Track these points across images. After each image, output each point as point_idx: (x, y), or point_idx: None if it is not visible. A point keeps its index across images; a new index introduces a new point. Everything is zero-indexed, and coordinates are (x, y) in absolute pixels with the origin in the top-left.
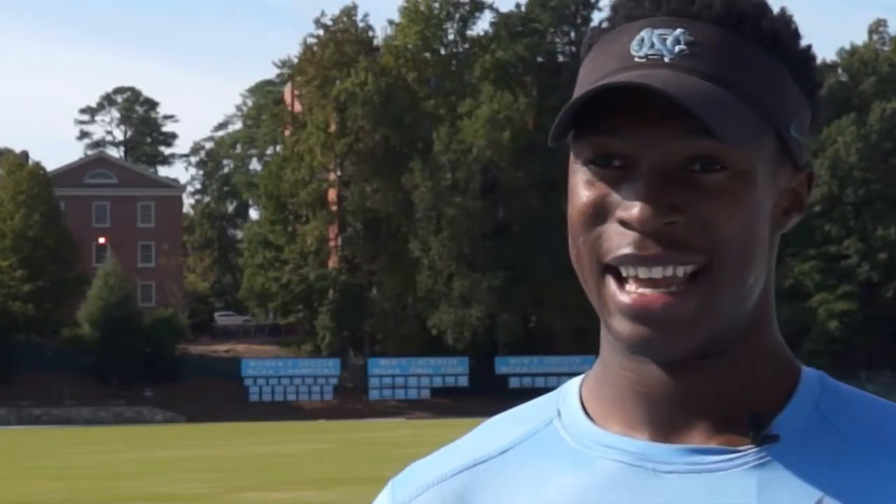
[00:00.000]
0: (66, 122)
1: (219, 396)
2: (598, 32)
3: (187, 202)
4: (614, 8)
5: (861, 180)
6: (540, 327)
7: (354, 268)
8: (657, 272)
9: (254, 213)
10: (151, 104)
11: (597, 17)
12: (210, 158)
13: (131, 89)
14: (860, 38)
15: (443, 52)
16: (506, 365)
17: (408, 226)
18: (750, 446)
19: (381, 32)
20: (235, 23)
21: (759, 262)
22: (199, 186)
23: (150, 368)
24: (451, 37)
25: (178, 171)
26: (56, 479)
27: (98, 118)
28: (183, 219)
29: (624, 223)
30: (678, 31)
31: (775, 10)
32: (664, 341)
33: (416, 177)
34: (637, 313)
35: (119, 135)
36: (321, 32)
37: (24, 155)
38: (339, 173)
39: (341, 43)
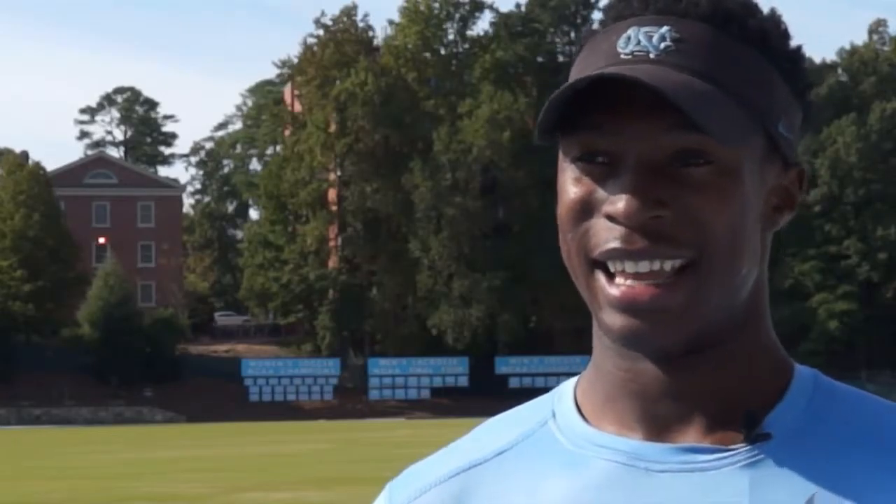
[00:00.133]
0: (66, 122)
1: (219, 396)
2: (589, 34)
3: (187, 202)
4: (605, 10)
5: (861, 180)
6: (539, 327)
7: (354, 268)
8: (644, 266)
9: (254, 213)
10: (151, 104)
11: (597, 18)
12: (210, 158)
13: (131, 89)
14: (860, 38)
15: (443, 52)
16: (506, 365)
17: (408, 226)
18: (742, 445)
19: (381, 32)
20: (235, 23)
21: (749, 256)
22: (199, 186)
23: (150, 368)
24: (451, 37)
25: (178, 171)
26: (56, 479)
27: (98, 118)
28: (183, 219)
29: (610, 218)
30: (664, 28)
31: (767, 10)
32: (654, 333)
33: (416, 177)
34: (626, 305)
35: (119, 135)
36: (321, 32)
37: (24, 155)
38: (339, 173)
39: (341, 43)
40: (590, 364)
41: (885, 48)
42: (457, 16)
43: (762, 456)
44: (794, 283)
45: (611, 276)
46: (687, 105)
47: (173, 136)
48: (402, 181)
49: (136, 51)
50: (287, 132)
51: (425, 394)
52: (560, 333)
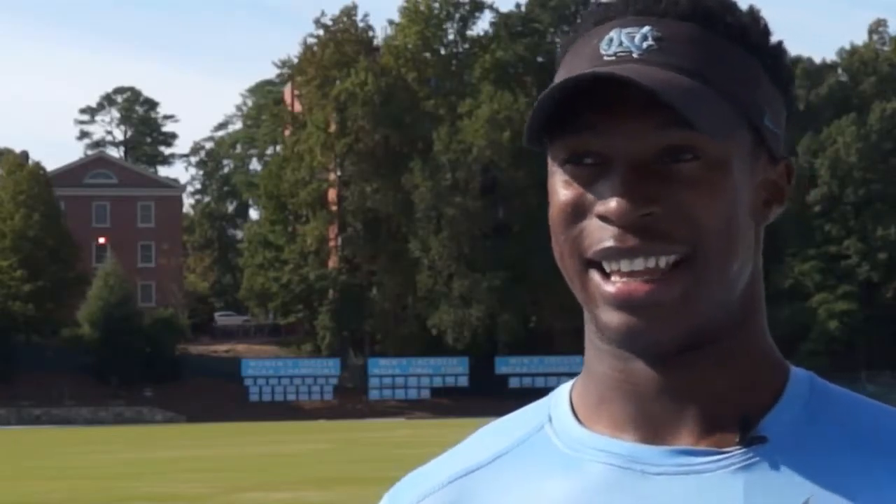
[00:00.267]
0: (66, 122)
1: (219, 396)
2: (570, 40)
3: (187, 202)
4: (584, 16)
5: (861, 180)
6: (539, 327)
7: (354, 268)
8: (639, 264)
9: (254, 213)
10: (151, 104)
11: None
12: (210, 158)
13: (131, 89)
14: (860, 38)
15: (443, 52)
16: (506, 365)
17: (408, 226)
18: (737, 447)
19: (381, 32)
20: (235, 23)
21: (742, 250)
22: (199, 186)
23: (150, 368)
24: (451, 37)
25: (178, 171)
26: (56, 479)
27: (98, 118)
28: (183, 219)
29: (603, 217)
30: (646, 28)
31: (746, 7)
32: (651, 329)
33: (416, 177)
34: (622, 302)
35: (119, 135)
36: (321, 32)
37: (24, 155)
38: (339, 173)
39: (341, 43)
40: (583, 367)
41: (885, 48)
42: (457, 16)
43: (757, 459)
44: (794, 283)
45: (606, 275)
46: (677, 102)
47: (173, 136)
48: (402, 181)
49: (136, 51)
50: (287, 132)
51: (425, 394)
52: (560, 333)
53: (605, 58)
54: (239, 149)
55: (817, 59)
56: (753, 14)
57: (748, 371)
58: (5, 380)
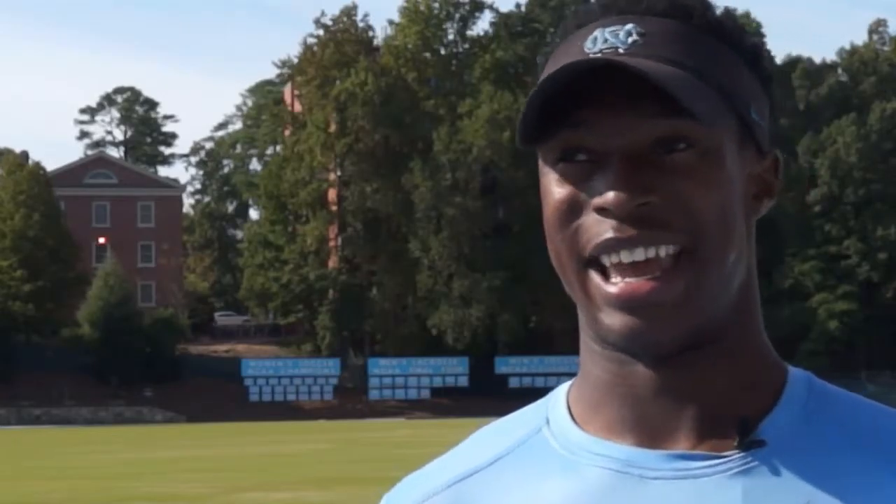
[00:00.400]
0: (66, 122)
1: (219, 396)
2: (554, 45)
3: (187, 202)
4: (565, 24)
5: (861, 180)
6: (539, 327)
7: (354, 268)
8: (639, 254)
9: (254, 213)
10: (151, 104)
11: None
12: (210, 158)
13: (131, 89)
14: (860, 38)
15: (443, 52)
16: (506, 365)
17: (408, 226)
18: (735, 451)
19: (381, 32)
20: (235, 23)
21: (738, 241)
22: (199, 186)
23: (150, 368)
24: (451, 37)
25: (178, 171)
26: (56, 479)
27: (98, 118)
28: (183, 219)
29: (600, 210)
30: (629, 25)
31: (721, 8)
32: (653, 329)
33: (416, 177)
34: (625, 302)
35: (119, 135)
36: (321, 32)
37: (24, 155)
38: (339, 173)
39: (341, 43)
40: (579, 369)
41: (885, 48)
42: (457, 16)
43: (756, 463)
44: (794, 283)
45: (606, 276)
46: (670, 86)
47: (173, 136)
48: (402, 181)
49: (136, 51)
50: (287, 132)
51: (425, 394)
52: (560, 333)
53: (591, 55)
54: (239, 149)
55: (817, 59)
56: (729, 13)
57: (746, 372)
58: (5, 380)
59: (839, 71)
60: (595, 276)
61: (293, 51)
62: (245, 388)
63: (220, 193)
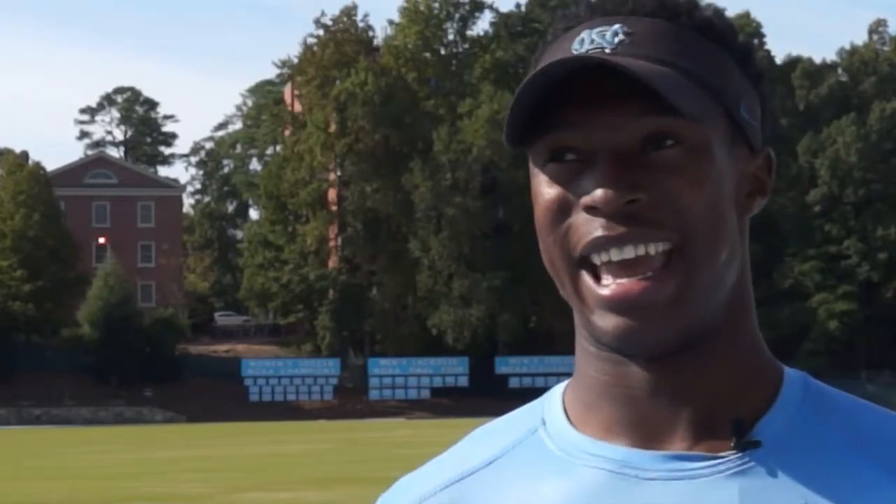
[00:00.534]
0: (66, 122)
1: (219, 396)
2: (543, 49)
3: (187, 202)
4: (554, 24)
5: (861, 180)
6: (539, 327)
7: (354, 268)
8: (629, 251)
9: (254, 213)
10: (151, 104)
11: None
12: (210, 158)
13: (131, 89)
14: (860, 38)
15: (443, 52)
16: (506, 365)
17: (408, 226)
18: (732, 452)
19: (381, 32)
20: (235, 23)
21: (729, 238)
22: (199, 186)
23: (150, 368)
24: (451, 37)
25: (178, 171)
26: (56, 479)
27: (98, 118)
28: (183, 219)
29: (589, 209)
30: (616, 26)
31: (710, 7)
32: (647, 329)
33: (416, 177)
34: (617, 304)
35: (119, 135)
36: (321, 32)
37: (24, 155)
38: (339, 173)
39: (341, 43)
40: (574, 370)
41: (885, 48)
42: (457, 16)
43: (752, 464)
44: (794, 283)
45: (597, 277)
46: (654, 82)
47: (173, 136)
48: (402, 181)
49: (136, 51)
50: (287, 132)
51: (425, 394)
52: (560, 333)
53: (578, 56)
54: (239, 149)
55: (817, 59)
56: (718, 11)
57: (741, 372)
58: (5, 380)
59: (839, 71)
60: (587, 278)
61: (293, 51)
62: (245, 388)
63: (220, 193)
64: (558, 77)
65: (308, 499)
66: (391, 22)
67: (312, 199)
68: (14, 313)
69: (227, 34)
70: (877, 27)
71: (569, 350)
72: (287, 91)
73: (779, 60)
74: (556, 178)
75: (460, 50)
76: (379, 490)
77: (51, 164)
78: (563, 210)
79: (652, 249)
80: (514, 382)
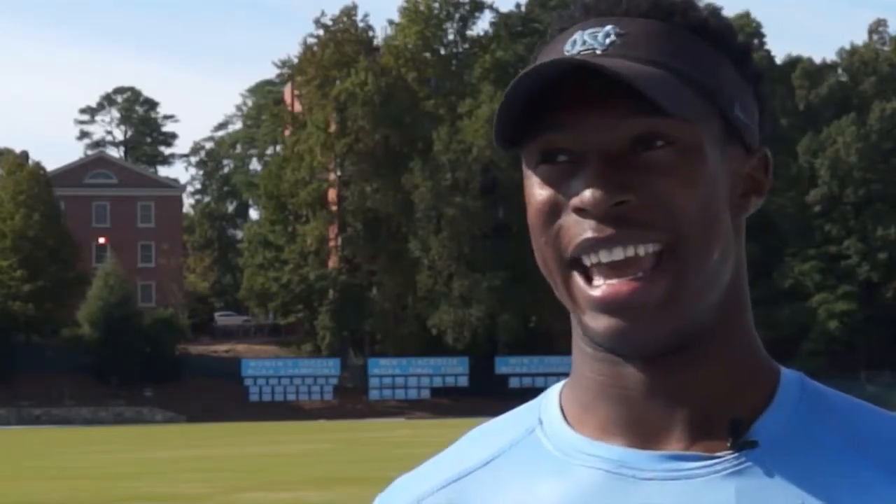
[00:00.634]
0: (66, 122)
1: (219, 396)
2: (537, 52)
3: (187, 202)
4: (550, 25)
5: (861, 180)
6: (539, 327)
7: (354, 268)
8: (618, 253)
9: (254, 213)
10: (151, 104)
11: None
12: (210, 158)
13: (131, 89)
14: (860, 38)
15: (443, 52)
16: (506, 365)
17: (408, 226)
18: (728, 452)
19: (381, 32)
20: (235, 23)
21: (722, 238)
22: (199, 186)
23: (150, 368)
24: (451, 37)
25: (178, 171)
26: (56, 479)
27: (98, 118)
28: (183, 219)
29: (578, 210)
30: (608, 27)
31: (707, 6)
32: (638, 330)
33: (416, 177)
34: (607, 305)
35: (119, 135)
36: (321, 32)
37: (24, 155)
38: (339, 173)
39: (341, 43)
40: (571, 370)
41: (885, 48)
42: (457, 16)
43: (749, 464)
44: (794, 283)
45: (588, 278)
46: (638, 83)
47: (173, 136)
48: (402, 181)
49: (136, 51)
50: (287, 132)
51: (425, 394)
52: (560, 333)
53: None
54: (239, 149)
55: (817, 59)
56: (715, 11)
57: (738, 373)
58: (5, 380)
59: (839, 71)
60: (578, 279)
61: (293, 51)
62: (245, 388)
63: (220, 193)
64: (549, 78)
65: (308, 499)
66: (391, 22)
67: (312, 199)
68: (14, 313)
69: (227, 34)
70: (877, 27)
71: (569, 350)
72: (287, 91)
73: (779, 60)
74: (547, 180)
75: (460, 50)
76: (379, 490)
77: (51, 164)
78: (554, 211)
79: (642, 251)
80: (514, 382)
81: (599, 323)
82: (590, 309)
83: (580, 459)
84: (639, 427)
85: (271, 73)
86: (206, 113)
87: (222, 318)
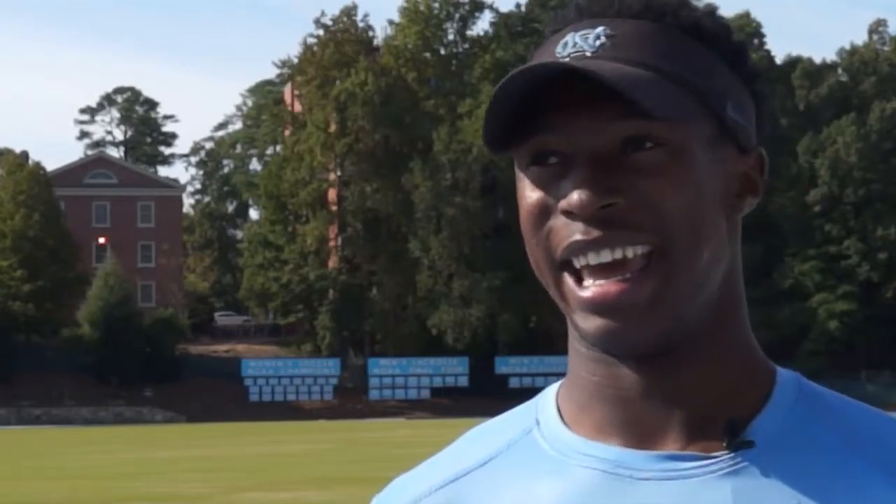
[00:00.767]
0: (66, 122)
1: (219, 396)
2: (531, 54)
3: (187, 202)
4: (546, 27)
5: (861, 180)
6: (539, 327)
7: (354, 268)
8: (606, 255)
9: (254, 213)
10: (151, 104)
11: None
12: (210, 158)
13: (131, 89)
14: (860, 38)
15: (443, 52)
16: (506, 365)
17: (408, 226)
18: (725, 452)
19: (381, 32)
20: (235, 23)
21: (713, 239)
22: (199, 186)
23: (150, 368)
24: (451, 37)
25: (178, 171)
26: (56, 479)
27: (98, 118)
28: (183, 219)
29: (567, 213)
30: (599, 28)
31: (704, 5)
32: (627, 330)
33: (416, 177)
34: (596, 306)
35: (119, 135)
36: (321, 32)
37: (24, 155)
38: (339, 173)
39: (341, 43)
40: (567, 370)
41: (885, 48)
42: (457, 16)
43: (745, 464)
44: (794, 283)
45: (579, 279)
46: (621, 85)
47: (173, 136)
48: (402, 181)
49: (136, 51)
50: (287, 132)
51: (425, 394)
52: (560, 333)
53: (560, 60)
54: (239, 149)
55: (817, 59)
56: (710, 11)
57: (733, 373)
58: (5, 380)
59: (839, 71)
60: (569, 280)
61: (293, 51)
62: (245, 388)
63: (220, 193)
64: (538, 81)
65: (308, 499)
66: (391, 22)
67: (312, 199)
68: (14, 313)
69: (227, 34)
70: (877, 27)
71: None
72: (287, 91)
73: (779, 60)
74: (537, 182)
75: (460, 50)
76: (378, 490)
77: (51, 164)
78: (544, 213)
79: (630, 252)
80: (514, 382)
81: (589, 323)
82: (580, 309)
83: (577, 460)
84: (635, 427)
85: (271, 73)
86: (206, 113)
87: (222, 318)
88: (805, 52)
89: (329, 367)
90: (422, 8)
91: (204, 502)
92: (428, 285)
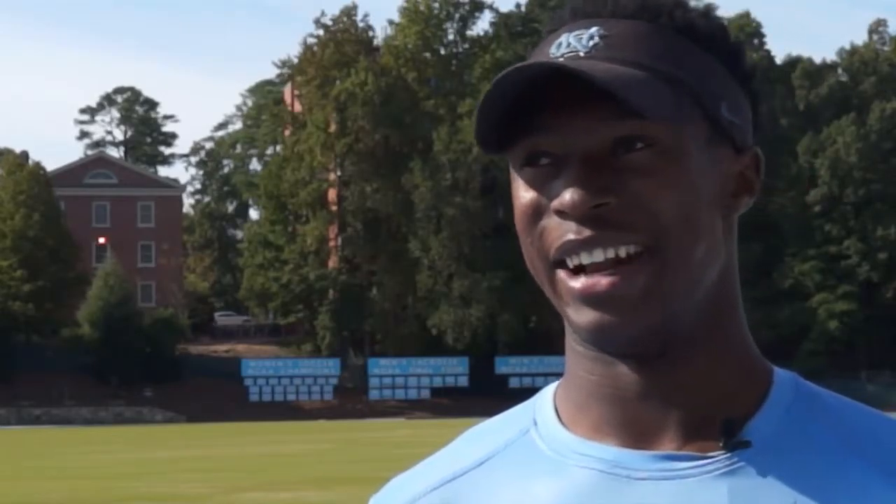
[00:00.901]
0: (66, 122)
1: (219, 396)
2: (528, 53)
3: (187, 202)
4: (543, 27)
5: (861, 180)
6: (539, 327)
7: (354, 268)
8: (598, 255)
9: (254, 213)
10: (151, 104)
11: None
12: (210, 158)
13: (131, 89)
14: (860, 38)
15: (443, 52)
16: (506, 365)
17: (408, 226)
18: (721, 452)
19: (381, 32)
20: (235, 23)
21: (706, 239)
22: (199, 186)
23: (150, 368)
24: (451, 37)
25: (178, 171)
26: (56, 479)
27: (98, 118)
28: (183, 219)
29: (559, 213)
30: (593, 28)
31: (701, 5)
32: (619, 324)
33: (416, 177)
34: (588, 297)
35: (119, 135)
36: (321, 32)
37: (24, 155)
38: (339, 173)
39: (341, 43)
40: (565, 370)
41: (885, 48)
42: (457, 16)
43: (741, 463)
44: (794, 283)
45: (572, 274)
46: (612, 86)
47: (173, 136)
48: (402, 181)
49: (136, 51)
50: (287, 132)
51: (425, 394)
52: (560, 333)
53: (553, 60)
54: (239, 149)
55: (817, 59)
56: (706, 11)
57: (730, 373)
58: (5, 380)
59: (839, 71)
60: (562, 275)
61: (293, 51)
62: (245, 388)
63: (220, 193)
64: (530, 81)
65: (308, 499)
66: (391, 22)
67: (312, 199)
68: (14, 313)
69: (227, 34)
70: (877, 27)
71: None
72: (287, 91)
73: (779, 60)
74: (530, 182)
75: (460, 50)
76: (377, 490)
77: (51, 164)
78: (537, 213)
79: (622, 252)
80: (514, 382)
81: (582, 316)
82: (573, 302)
83: (574, 459)
84: (632, 427)
85: (271, 73)
86: (206, 113)
87: (222, 318)
88: (805, 52)
89: (329, 367)
90: (422, 8)
91: (204, 502)
92: (428, 285)
